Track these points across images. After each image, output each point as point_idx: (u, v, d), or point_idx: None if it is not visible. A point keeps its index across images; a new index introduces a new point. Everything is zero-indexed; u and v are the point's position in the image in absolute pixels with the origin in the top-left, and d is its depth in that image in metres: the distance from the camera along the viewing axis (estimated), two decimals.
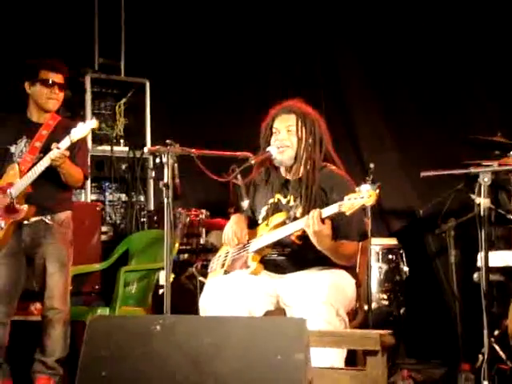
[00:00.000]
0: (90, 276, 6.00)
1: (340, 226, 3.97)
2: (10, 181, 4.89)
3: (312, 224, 3.79)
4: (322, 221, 3.79)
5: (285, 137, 4.15)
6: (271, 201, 4.24)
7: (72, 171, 4.89)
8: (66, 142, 4.69)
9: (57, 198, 4.97)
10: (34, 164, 4.81)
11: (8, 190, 4.85)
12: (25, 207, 4.84)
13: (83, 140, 4.97)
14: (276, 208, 4.20)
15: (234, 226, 4.25)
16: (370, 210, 4.90)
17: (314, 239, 3.84)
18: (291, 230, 3.95)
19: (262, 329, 2.73)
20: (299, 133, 4.14)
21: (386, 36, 6.66)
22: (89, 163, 5.35)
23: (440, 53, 6.39)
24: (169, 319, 2.84)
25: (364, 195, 3.65)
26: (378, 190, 3.65)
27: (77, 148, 4.91)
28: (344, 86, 6.93)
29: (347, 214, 3.67)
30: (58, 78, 4.99)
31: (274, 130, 4.20)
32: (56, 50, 6.58)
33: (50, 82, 4.96)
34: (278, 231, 4.02)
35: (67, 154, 4.72)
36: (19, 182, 4.83)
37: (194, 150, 4.06)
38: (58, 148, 4.69)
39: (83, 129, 4.65)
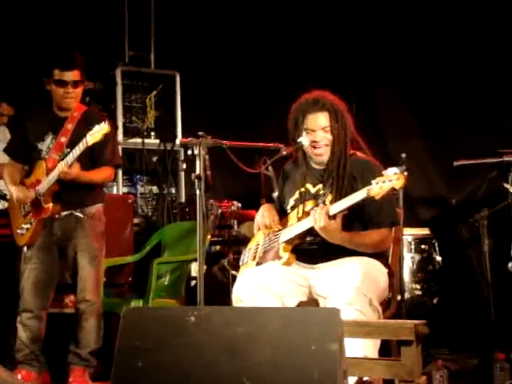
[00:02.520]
0: (122, 268, 6.04)
1: (370, 213, 3.96)
2: (38, 178, 4.93)
3: (318, 220, 3.80)
4: (332, 216, 3.79)
5: (321, 137, 4.12)
6: (300, 190, 4.24)
7: (90, 178, 4.92)
8: (78, 150, 4.70)
9: (86, 192, 4.99)
10: (61, 160, 4.83)
11: (36, 188, 4.90)
12: (50, 205, 4.87)
13: (111, 133, 4.98)
14: (305, 197, 4.19)
15: (264, 214, 4.25)
16: (401, 199, 4.89)
17: (322, 234, 3.86)
18: (310, 224, 3.94)
19: (295, 319, 2.73)
20: (335, 131, 4.11)
21: (411, 29, 6.61)
22: (120, 153, 5.36)
23: (470, 39, 6.32)
24: (203, 310, 2.85)
25: (392, 178, 3.61)
26: (405, 173, 3.61)
27: (105, 143, 4.93)
28: (369, 73, 6.88)
29: (377, 198, 3.65)
30: (71, 75, 4.91)
31: (305, 128, 4.14)
32: (87, 43, 6.63)
33: (63, 81, 4.93)
34: (306, 222, 4.00)
35: (72, 172, 4.74)
36: (45, 179, 4.87)
37: (225, 142, 4.08)
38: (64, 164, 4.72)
39: (96, 134, 4.64)
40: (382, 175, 3.68)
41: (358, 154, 4.20)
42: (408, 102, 6.69)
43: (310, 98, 4.18)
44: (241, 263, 4.42)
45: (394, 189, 3.64)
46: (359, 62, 6.84)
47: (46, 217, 4.90)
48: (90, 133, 4.64)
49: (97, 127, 4.64)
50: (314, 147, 4.13)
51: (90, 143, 4.64)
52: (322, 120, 4.12)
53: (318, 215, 3.80)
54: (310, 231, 3.99)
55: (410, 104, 6.69)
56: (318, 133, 4.12)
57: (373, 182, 3.66)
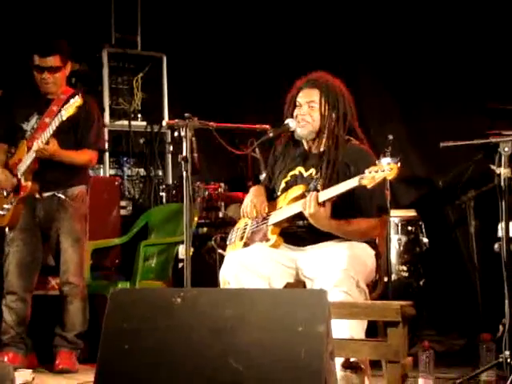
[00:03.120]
0: (109, 250, 6.04)
1: (360, 202, 3.95)
2: (20, 157, 4.93)
3: (308, 206, 3.80)
4: (321, 203, 3.79)
5: (305, 112, 4.12)
6: (292, 173, 4.22)
7: (71, 158, 4.90)
8: (53, 125, 4.69)
9: (69, 172, 4.98)
10: None
11: (17, 167, 4.90)
12: (28, 184, 4.87)
13: (95, 115, 4.97)
14: (296, 180, 4.18)
15: (253, 198, 4.24)
16: (388, 182, 4.89)
17: (311, 221, 3.86)
18: (299, 208, 3.94)
19: (282, 300, 2.73)
20: (322, 108, 4.10)
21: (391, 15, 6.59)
22: (105, 137, 5.34)
23: (449, 20, 6.30)
24: (190, 292, 2.85)
25: (385, 168, 3.61)
26: (399, 163, 3.63)
27: (89, 125, 4.92)
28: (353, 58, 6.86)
29: (368, 187, 3.65)
30: (49, 61, 4.93)
31: (297, 104, 4.17)
32: (73, 25, 6.60)
33: (41, 67, 4.93)
34: (296, 206, 4.00)
35: (49, 147, 4.73)
36: (25, 158, 4.86)
37: (212, 123, 4.06)
38: (41, 141, 4.71)
39: (69, 108, 4.64)
40: (375, 165, 3.69)
41: (353, 140, 4.18)
42: (389, 86, 6.67)
43: (308, 77, 4.19)
44: (228, 242, 4.42)
45: (385, 179, 3.66)
46: (344, 49, 6.79)
47: (25, 195, 4.88)
48: (65, 107, 4.64)
49: (71, 101, 4.64)
50: (298, 121, 4.14)
51: (64, 117, 4.64)
52: (309, 95, 4.12)
53: (308, 201, 3.80)
54: (300, 215, 3.98)
55: (391, 88, 6.67)
56: (303, 107, 4.13)
57: (366, 171, 3.66)
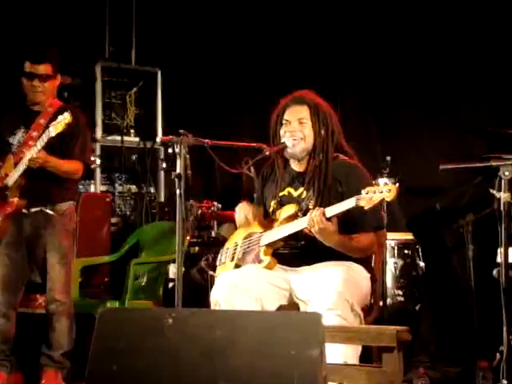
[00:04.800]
0: (99, 268, 6.02)
1: (355, 217, 3.94)
2: (6, 172, 4.91)
3: (316, 222, 3.78)
4: (327, 218, 3.78)
5: (296, 128, 4.13)
6: (281, 194, 4.23)
7: (61, 167, 4.88)
8: (42, 141, 4.68)
9: (57, 188, 4.97)
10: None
11: (3, 181, 4.88)
12: (15, 200, 4.85)
13: (81, 128, 4.97)
14: (286, 201, 4.18)
15: (244, 209, 4.27)
16: (385, 204, 4.88)
17: (320, 237, 3.84)
18: (298, 227, 3.93)
19: (275, 323, 2.71)
20: (315, 125, 4.12)
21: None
22: (92, 151, 5.33)
23: (450, 36, 6.33)
24: (181, 312, 2.83)
25: (383, 189, 3.60)
26: (397, 184, 3.62)
27: (74, 137, 4.91)
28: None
29: (365, 208, 3.64)
30: (40, 69, 4.93)
31: (284, 122, 4.17)
32: (67, 38, 6.60)
33: (31, 74, 4.93)
34: (290, 225, 4.00)
35: (42, 155, 4.72)
36: (12, 171, 4.85)
37: (207, 141, 4.06)
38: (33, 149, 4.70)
39: (58, 125, 4.63)
40: (370, 184, 3.69)
41: (341, 156, 4.19)
42: (382, 106, 6.68)
43: (294, 96, 4.21)
44: (218, 263, 4.41)
45: (383, 200, 3.63)
46: (330, 74, 6.79)
47: (12, 211, 4.86)
48: (53, 123, 4.64)
49: (60, 117, 4.64)
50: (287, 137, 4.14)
51: (52, 134, 4.62)
52: (299, 111, 4.14)
53: (316, 217, 3.78)
54: (294, 235, 3.98)
55: (383, 109, 6.68)
56: (293, 124, 4.13)
57: (362, 191, 3.65)
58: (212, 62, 7.25)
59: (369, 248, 4.06)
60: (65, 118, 4.61)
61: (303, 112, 4.13)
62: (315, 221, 3.78)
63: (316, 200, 4.03)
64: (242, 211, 4.31)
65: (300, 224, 3.92)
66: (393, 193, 3.59)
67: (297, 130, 4.12)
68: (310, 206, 4.01)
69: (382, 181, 3.60)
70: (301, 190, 4.16)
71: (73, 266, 5.08)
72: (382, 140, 6.63)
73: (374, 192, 3.61)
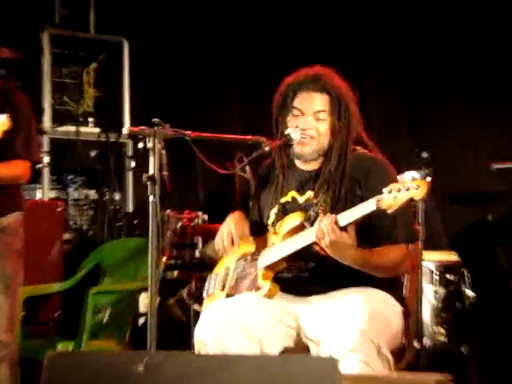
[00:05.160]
0: (47, 299, 6.03)
1: (378, 226, 3.95)
2: None
3: (326, 233, 3.76)
4: (342, 228, 3.76)
5: (311, 125, 4.12)
6: (283, 200, 4.24)
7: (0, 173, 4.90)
8: None
9: None
10: None
11: None
12: None
13: (23, 117, 4.97)
14: (289, 209, 4.19)
15: (230, 224, 4.26)
16: (421, 213, 4.90)
17: (332, 253, 3.81)
18: (305, 241, 3.93)
19: (278, 371, 2.73)
20: (334, 121, 4.11)
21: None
22: (38, 146, 5.34)
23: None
24: (155, 357, 2.84)
25: (410, 186, 3.57)
26: (428, 178, 3.58)
27: (15, 130, 4.92)
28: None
29: (389, 212, 3.64)
30: None
31: (294, 111, 4.17)
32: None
33: None
34: (294, 240, 4.00)
35: None
36: None
37: (189, 132, 4.07)
38: None
39: None
40: (395, 180, 3.68)
41: (360, 149, 4.20)
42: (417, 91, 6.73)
43: (308, 74, 4.18)
44: (205, 294, 4.42)
45: (412, 200, 3.62)
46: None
47: None
48: None
49: None
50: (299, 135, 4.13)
51: None
52: (317, 102, 4.12)
53: (326, 226, 3.77)
54: (300, 253, 3.98)
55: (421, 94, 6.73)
56: (307, 118, 4.12)
57: (384, 190, 3.63)
58: (195, 29, 7.26)
59: (400, 264, 4.05)
60: (1, 124, 4.62)
61: (322, 103, 4.12)
62: (325, 231, 3.76)
63: (328, 206, 4.03)
64: (232, 228, 4.29)
65: (307, 237, 3.91)
66: (422, 189, 3.54)
67: (311, 128, 4.12)
68: (321, 215, 4.00)
69: (408, 175, 3.55)
70: (308, 194, 4.17)
71: (19, 295, 5.09)
72: (414, 131, 6.66)
73: (399, 190, 3.58)
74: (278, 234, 4.14)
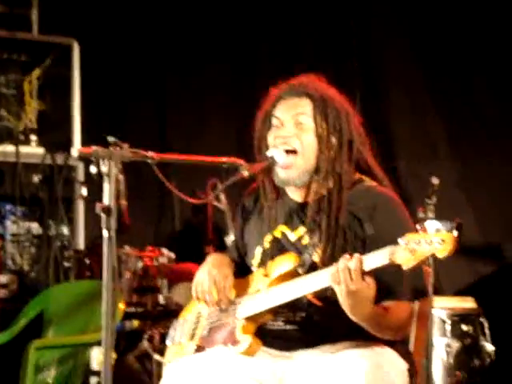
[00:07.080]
0: None
1: (384, 276, 3.88)
2: None
3: (348, 279, 3.68)
4: (365, 274, 3.70)
5: (291, 132, 4.12)
6: (270, 237, 4.24)
7: None
8: None
9: None
10: None
11: None
12: None
13: None
14: (279, 248, 4.19)
15: (212, 269, 4.25)
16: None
17: (346, 304, 3.74)
18: (308, 288, 3.90)
19: None
20: (320, 129, 4.12)
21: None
22: None
23: None
24: None
25: (433, 239, 3.51)
26: (456, 232, 3.49)
27: None
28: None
29: (405, 268, 3.57)
30: None
31: (274, 122, 4.18)
32: None
33: None
34: (286, 288, 3.99)
35: None
36: None
37: (151, 154, 4.07)
38: None
39: None
40: (407, 222, 3.67)
41: (366, 181, 4.21)
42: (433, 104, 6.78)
43: (290, 83, 4.22)
44: (169, 341, 4.43)
45: (433, 256, 3.53)
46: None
47: None
48: None
49: None
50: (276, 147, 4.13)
51: None
52: (296, 106, 4.14)
53: (347, 271, 3.65)
54: (292, 303, 3.98)
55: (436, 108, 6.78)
56: (286, 125, 4.14)
57: (400, 240, 3.58)
58: (158, 28, 7.30)
59: (406, 326, 4.07)
60: None
61: (302, 107, 4.14)
62: (346, 276, 3.67)
63: (324, 249, 4.02)
64: (215, 275, 4.24)
65: (317, 281, 3.85)
66: (448, 245, 3.47)
67: (292, 135, 4.12)
68: (316, 259, 4.02)
69: (431, 225, 3.45)
70: (301, 230, 4.17)
71: None
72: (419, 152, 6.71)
73: (418, 243, 3.54)
74: (266, 277, 4.12)
